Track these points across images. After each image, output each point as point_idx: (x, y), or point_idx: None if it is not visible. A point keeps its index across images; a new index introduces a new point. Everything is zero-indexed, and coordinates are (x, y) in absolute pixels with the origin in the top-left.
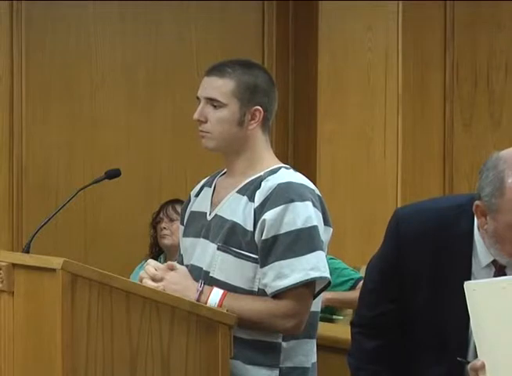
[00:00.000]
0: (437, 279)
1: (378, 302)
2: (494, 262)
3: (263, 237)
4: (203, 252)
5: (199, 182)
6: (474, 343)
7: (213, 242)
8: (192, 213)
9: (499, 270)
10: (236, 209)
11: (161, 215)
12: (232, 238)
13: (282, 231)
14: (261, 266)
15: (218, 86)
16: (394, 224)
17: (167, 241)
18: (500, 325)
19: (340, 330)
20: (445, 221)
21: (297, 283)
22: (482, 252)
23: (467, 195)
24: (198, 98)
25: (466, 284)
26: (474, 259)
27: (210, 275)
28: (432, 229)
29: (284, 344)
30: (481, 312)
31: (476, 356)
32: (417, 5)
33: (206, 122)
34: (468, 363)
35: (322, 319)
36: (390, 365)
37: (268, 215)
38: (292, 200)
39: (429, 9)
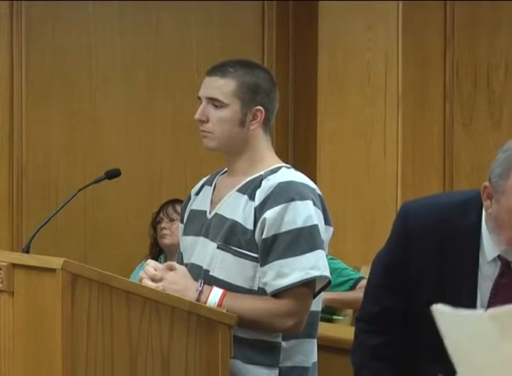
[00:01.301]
0: (443, 273)
1: (382, 297)
2: (500, 257)
3: (263, 236)
4: (203, 251)
5: (199, 181)
6: None
7: (213, 241)
8: (192, 211)
9: (505, 265)
10: (237, 208)
11: (161, 214)
12: (232, 237)
13: (282, 230)
14: (262, 265)
15: (220, 86)
16: (401, 218)
17: (167, 241)
18: (473, 349)
19: (340, 330)
20: (452, 215)
21: (297, 282)
22: (488, 246)
23: (474, 190)
24: (199, 98)
25: (434, 308)
26: (481, 253)
27: (211, 274)
28: (439, 223)
29: (284, 343)
30: (451, 335)
31: None
32: (417, 5)
33: (207, 122)
34: None
35: (322, 320)
36: (393, 362)
37: (269, 214)
38: (292, 199)
39: (429, 9)
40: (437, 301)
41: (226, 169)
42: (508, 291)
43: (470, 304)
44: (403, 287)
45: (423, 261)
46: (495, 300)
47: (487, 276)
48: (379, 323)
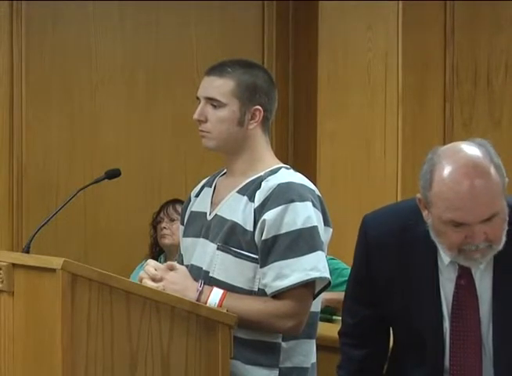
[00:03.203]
0: (406, 280)
1: (357, 309)
2: None
3: (263, 237)
4: (203, 252)
5: (199, 182)
6: (450, 342)
7: (213, 242)
8: (193, 213)
9: (462, 267)
10: (236, 209)
11: (162, 214)
12: (231, 238)
13: (282, 231)
14: (261, 266)
15: (218, 86)
16: (361, 230)
17: (167, 241)
18: None
19: None
20: (408, 221)
21: (297, 283)
22: None
23: None
24: (198, 98)
25: None
26: (439, 257)
27: (210, 275)
28: (397, 230)
29: (284, 344)
30: None
31: (451, 357)
32: (417, 5)
33: (206, 122)
34: None
35: (322, 320)
36: (380, 373)
37: (268, 215)
38: (292, 201)
39: (429, 9)
40: (405, 307)
41: (226, 170)
42: (468, 291)
43: (435, 307)
44: (373, 297)
45: (386, 269)
46: (457, 302)
47: (448, 278)
48: (359, 336)
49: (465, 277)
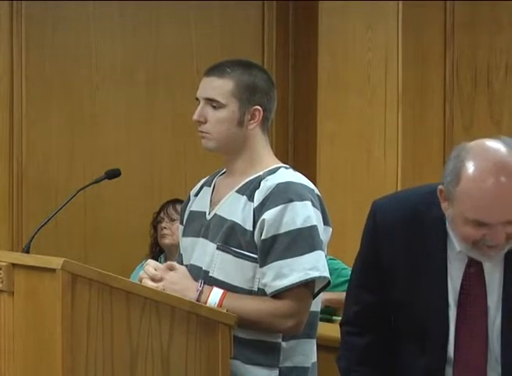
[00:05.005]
0: (414, 267)
1: (362, 296)
2: None
3: (262, 237)
4: (203, 252)
5: (199, 181)
6: (455, 329)
7: (212, 242)
8: (192, 213)
9: (472, 258)
10: (236, 209)
11: (162, 214)
12: (231, 238)
13: (281, 231)
14: (261, 266)
15: (217, 86)
16: (370, 215)
17: (167, 241)
18: None
19: None
20: (418, 208)
21: (297, 283)
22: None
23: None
24: (197, 99)
25: None
26: (449, 244)
27: (210, 275)
28: (406, 217)
29: (284, 344)
30: None
31: (456, 346)
32: (417, 5)
33: (205, 123)
34: None
35: (322, 320)
36: (381, 364)
37: (268, 215)
38: (291, 200)
39: (429, 9)
40: (411, 295)
41: (225, 170)
42: (477, 280)
43: (442, 294)
44: (379, 283)
45: (394, 255)
46: (465, 289)
47: (457, 266)
48: (362, 323)
49: (475, 265)
